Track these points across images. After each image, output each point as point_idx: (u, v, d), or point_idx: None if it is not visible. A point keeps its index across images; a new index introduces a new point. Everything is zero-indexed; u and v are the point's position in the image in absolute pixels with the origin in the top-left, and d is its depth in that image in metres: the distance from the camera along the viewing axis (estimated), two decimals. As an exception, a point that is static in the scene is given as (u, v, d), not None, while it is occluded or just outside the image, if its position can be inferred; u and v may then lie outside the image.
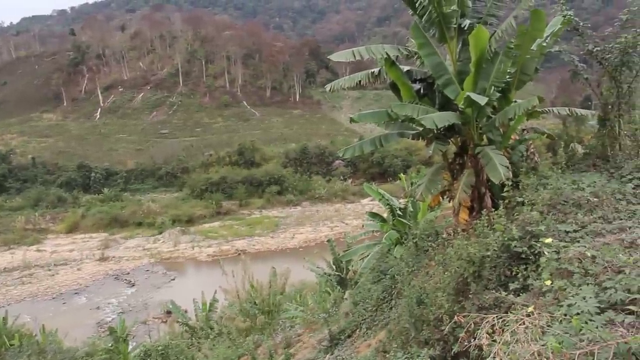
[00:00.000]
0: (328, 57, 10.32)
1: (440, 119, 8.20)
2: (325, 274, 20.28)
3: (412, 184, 17.65)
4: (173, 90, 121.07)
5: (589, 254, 5.00)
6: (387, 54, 9.06)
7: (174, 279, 45.77)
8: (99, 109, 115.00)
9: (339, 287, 18.24)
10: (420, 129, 9.26)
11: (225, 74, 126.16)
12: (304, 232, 59.77)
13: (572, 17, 9.51)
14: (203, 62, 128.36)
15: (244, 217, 66.73)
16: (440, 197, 10.17)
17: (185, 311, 23.88)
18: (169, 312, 32.06)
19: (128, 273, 48.15)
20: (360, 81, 9.97)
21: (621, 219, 6.56)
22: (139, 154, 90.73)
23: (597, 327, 3.67)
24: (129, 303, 40.33)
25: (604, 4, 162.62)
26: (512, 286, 5.58)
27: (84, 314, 37.97)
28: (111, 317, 36.14)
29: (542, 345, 3.37)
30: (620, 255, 4.88)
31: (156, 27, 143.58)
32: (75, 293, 43.70)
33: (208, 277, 39.19)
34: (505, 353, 3.48)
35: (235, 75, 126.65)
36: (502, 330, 3.85)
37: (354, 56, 9.27)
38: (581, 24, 9.82)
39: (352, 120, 9.88)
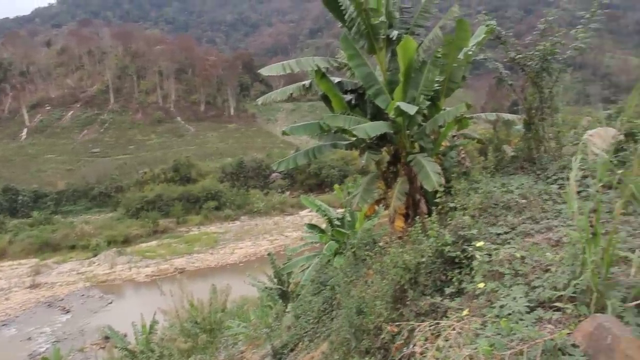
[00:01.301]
0: (258, 71, 10.26)
1: (372, 128, 8.29)
2: (266, 288, 20.11)
3: (348, 193, 17.78)
4: (104, 108, 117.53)
5: (518, 255, 5.14)
6: (317, 66, 9.12)
7: (111, 303, 44.24)
8: (25, 129, 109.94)
9: (281, 301, 18.12)
10: (353, 139, 9.34)
11: (157, 89, 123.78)
12: (243, 246, 59.22)
13: (495, 27, 9.88)
14: (134, 78, 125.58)
15: (182, 235, 65.43)
16: (376, 206, 10.28)
17: (125, 335, 23.08)
18: (107, 338, 30.83)
19: (62, 299, 46.00)
20: (292, 94, 9.98)
21: (548, 219, 6.78)
22: (70, 175, 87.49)
23: (527, 326, 3.77)
24: (63, 331, 38.52)
25: (525, 13, 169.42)
26: (447, 290, 5.67)
27: (14, 346, 36.04)
28: (45, 347, 34.42)
29: (474, 349, 3.43)
30: (548, 253, 5.03)
31: (84, 42, 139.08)
32: (4, 324, 41.17)
33: (147, 298, 38.19)
34: (438, 359, 3.53)
35: (168, 90, 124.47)
36: (435, 337, 3.91)
37: (284, 70, 9.27)
38: (503, 32, 10.20)
39: (284, 133, 9.87)
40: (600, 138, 4.02)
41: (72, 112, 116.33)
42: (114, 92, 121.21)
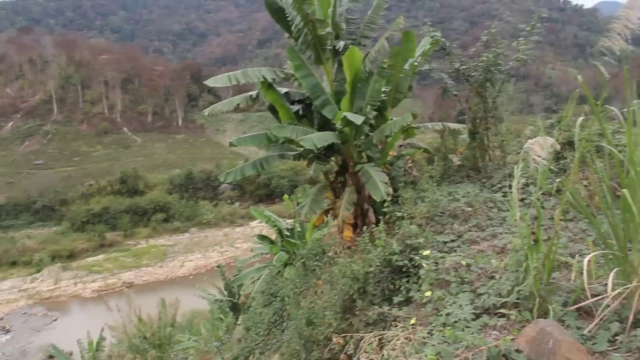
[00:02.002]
0: (204, 82, 10.14)
1: (319, 139, 8.29)
2: (217, 300, 19.90)
3: (298, 204, 17.75)
4: (47, 118, 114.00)
5: (464, 263, 5.22)
6: (264, 77, 9.08)
7: (55, 320, 42.78)
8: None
9: (231, 313, 17.93)
10: (301, 149, 9.34)
11: (103, 99, 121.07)
12: (193, 259, 58.43)
13: (440, 38, 10.08)
14: (79, 88, 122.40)
15: (129, 248, 63.98)
16: (325, 216, 10.28)
17: (70, 353, 22.38)
18: (51, 357, 29.88)
19: (1, 318, 44.18)
20: (239, 105, 9.90)
21: (493, 226, 6.92)
22: (11, 188, 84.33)
23: (472, 333, 3.82)
24: (3, 352, 36.95)
25: (470, 25, 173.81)
26: (396, 299, 5.69)
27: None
28: (-20, 371, 33.11)
29: (420, 358, 3.45)
30: (493, 260, 5.12)
31: (25, 50, 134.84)
32: None
33: (94, 314, 37.02)
34: (384, 370, 3.54)
35: (115, 100, 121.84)
36: (382, 347, 3.92)
37: (230, 81, 9.19)
38: (448, 44, 10.41)
39: (231, 144, 9.79)
40: (540, 147, 4.10)
41: (12, 122, 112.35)
42: (58, 102, 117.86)
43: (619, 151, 3.90)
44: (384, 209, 7.84)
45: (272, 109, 9.73)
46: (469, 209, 7.51)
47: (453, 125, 10.75)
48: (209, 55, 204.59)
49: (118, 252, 62.66)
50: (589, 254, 3.75)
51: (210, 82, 9.75)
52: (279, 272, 13.56)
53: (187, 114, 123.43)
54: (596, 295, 3.68)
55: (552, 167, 7.55)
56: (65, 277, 53.45)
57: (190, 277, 50.47)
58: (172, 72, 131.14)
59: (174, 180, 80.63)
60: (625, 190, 3.50)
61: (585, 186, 5.67)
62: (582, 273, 3.58)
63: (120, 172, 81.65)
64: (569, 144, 7.58)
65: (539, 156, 4.10)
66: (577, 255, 4.33)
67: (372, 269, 6.15)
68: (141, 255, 60.13)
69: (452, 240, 6.56)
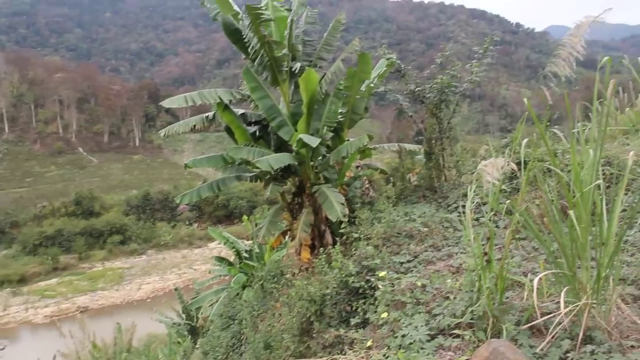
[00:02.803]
0: (160, 103, 10.04)
1: (275, 160, 8.29)
2: (175, 324, 19.52)
3: (256, 224, 17.64)
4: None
5: (419, 284, 5.24)
6: (220, 98, 9.05)
7: (3, 349, 41.01)
8: None
9: (190, 337, 17.62)
10: (258, 171, 9.30)
11: (58, 119, 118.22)
12: (151, 281, 57.25)
13: (395, 60, 10.23)
14: (32, 107, 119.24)
15: (84, 271, 62.13)
16: (283, 237, 10.25)
17: (20, 383, 21.59)
18: (-3, 389, 28.75)
19: (-60, 351, 42.08)
20: (195, 126, 9.83)
21: (449, 246, 6.98)
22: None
23: (427, 355, 3.83)
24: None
25: (427, 47, 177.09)
26: (353, 321, 5.68)
27: None
28: None
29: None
30: (449, 280, 5.17)
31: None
32: None
33: (46, 341, 35.72)
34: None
35: (69, 120, 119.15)
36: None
37: (187, 102, 9.12)
38: (403, 66, 10.57)
39: (186, 166, 9.68)
40: (492, 167, 4.18)
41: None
42: (9, 121, 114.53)
43: (568, 171, 3.99)
44: (341, 230, 7.86)
45: (229, 130, 9.69)
46: (425, 229, 7.58)
47: (409, 146, 10.88)
48: (166, 74, 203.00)
49: (72, 275, 60.78)
50: (541, 272, 3.82)
51: (166, 103, 9.66)
52: (238, 294, 13.42)
53: (145, 134, 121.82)
54: (548, 314, 3.74)
55: (505, 188, 7.73)
56: (15, 303, 51.40)
57: (148, 300, 49.39)
58: (129, 92, 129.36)
59: (131, 201, 79.12)
60: (571, 211, 3.58)
61: (538, 205, 5.78)
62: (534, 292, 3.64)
63: (75, 193, 79.58)
64: (519, 165, 7.75)
65: (491, 177, 4.17)
66: (529, 274, 4.40)
67: (329, 291, 6.14)
68: (97, 279, 58.55)
69: (409, 261, 6.60)
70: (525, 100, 3.70)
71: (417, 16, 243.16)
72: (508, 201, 4.10)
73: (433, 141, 10.31)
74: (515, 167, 4.27)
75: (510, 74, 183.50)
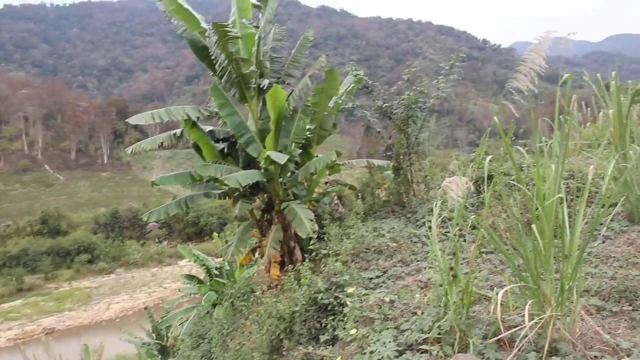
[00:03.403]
0: (126, 120, 9.94)
1: (243, 177, 8.25)
2: (144, 344, 19.19)
3: (227, 241, 17.51)
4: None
5: (387, 299, 5.25)
6: (187, 115, 9.00)
7: (-39, 376, 39.79)
8: None
9: (160, 357, 17.34)
10: (226, 188, 9.25)
11: (23, 136, 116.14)
12: (120, 301, 56.23)
13: (362, 77, 10.32)
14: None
15: (51, 292, 60.61)
16: (252, 255, 10.19)
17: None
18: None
19: None
20: (162, 143, 9.74)
21: (418, 261, 7.02)
22: None
23: (395, 372, 3.83)
24: None
25: (395, 63, 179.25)
26: (323, 338, 5.65)
27: None
28: None
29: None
30: (417, 295, 5.19)
31: None
32: None
33: (9, 365, 34.91)
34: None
35: (35, 137, 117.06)
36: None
37: (154, 119, 9.04)
38: (370, 82, 10.65)
39: (154, 183, 9.57)
40: (456, 184, 4.23)
41: None
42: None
43: (533, 185, 4.04)
44: (310, 247, 7.85)
45: (197, 148, 9.63)
46: (394, 244, 7.61)
47: (378, 162, 10.94)
48: (135, 91, 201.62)
49: (38, 296, 59.22)
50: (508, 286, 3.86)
51: (132, 120, 9.55)
52: (208, 312, 13.27)
53: (113, 151, 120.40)
54: (515, 326, 3.77)
55: (473, 202, 7.81)
56: (-25, 327, 49.98)
57: (117, 320, 48.52)
58: (97, 108, 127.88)
59: (99, 219, 77.80)
60: (534, 225, 3.63)
61: (505, 219, 5.85)
62: (501, 305, 3.67)
63: (41, 212, 77.77)
64: (488, 178, 7.86)
65: (455, 194, 4.22)
66: (496, 287, 4.45)
67: (298, 308, 6.12)
68: (64, 299, 57.21)
69: (378, 276, 6.61)
70: (495, 118, 3.76)
71: (386, 32, 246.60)
72: (473, 216, 4.14)
73: (401, 156, 10.38)
74: (472, 186, 4.32)
75: (478, 89, 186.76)
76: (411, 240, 7.89)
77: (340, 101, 9.69)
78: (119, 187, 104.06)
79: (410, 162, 10.48)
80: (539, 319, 3.68)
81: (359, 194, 11.29)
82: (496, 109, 4.00)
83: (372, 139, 11.17)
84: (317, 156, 9.55)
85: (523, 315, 3.70)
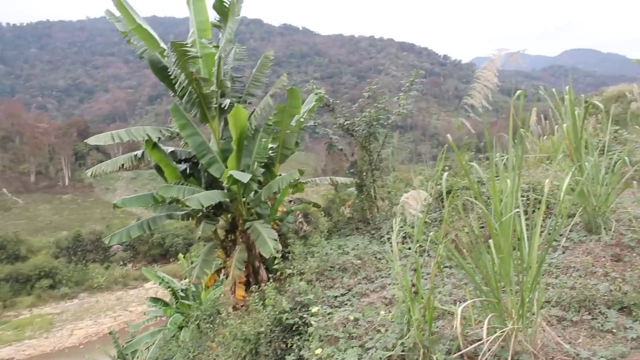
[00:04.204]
0: (85, 141, 9.78)
1: (206, 198, 8.19)
2: (109, 370, 18.73)
3: (192, 262, 17.32)
4: None
5: (352, 317, 5.23)
6: (148, 135, 8.91)
7: None
8: None
9: (126, 382, 16.92)
10: (189, 209, 9.16)
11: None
12: (83, 326, 54.86)
13: (323, 95, 10.36)
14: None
15: (10, 320, 58.66)
16: (217, 276, 10.08)
17: None
18: None
19: None
20: (123, 165, 9.61)
21: (382, 277, 7.02)
22: None
23: (360, 391, 3.81)
24: None
25: (359, 80, 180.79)
26: (288, 359, 5.60)
27: None
28: None
29: None
30: (382, 312, 5.18)
31: None
32: None
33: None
34: None
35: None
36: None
37: (113, 139, 8.92)
38: (332, 100, 10.71)
39: (115, 206, 9.41)
40: (414, 200, 4.26)
41: None
42: None
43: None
44: (275, 266, 7.80)
45: (158, 169, 9.53)
46: (358, 261, 7.61)
47: (341, 179, 10.98)
48: (97, 111, 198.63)
49: (-5, 325, 57.56)
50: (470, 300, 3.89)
51: (92, 141, 9.40)
52: (174, 335, 13.07)
53: (75, 173, 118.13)
54: (478, 340, 3.79)
55: (435, 217, 7.88)
56: None
57: (81, 346, 47.30)
58: (57, 129, 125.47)
59: (61, 243, 75.97)
60: (491, 240, 3.67)
61: (467, 233, 5.91)
62: (463, 320, 3.70)
63: (-1, 237, 75.85)
64: (449, 193, 7.94)
65: (414, 209, 4.25)
66: (459, 302, 4.47)
67: (263, 329, 6.06)
68: (24, 327, 55.43)
69: (342, 294, 6.59)
70: (448, 136, 3.81)
71: (349, 50, 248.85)
72: (432, 233, 4.17)
73: (364, 173, 10.44)
74: (432, 200, 4.36)
75: (440, 104, 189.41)
76: (375, 257, 7.90)
77: (302, 119, 9.73)
78: (81, 209, 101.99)
79: (374, 179, 10.54)
80: (501, 332, 3.71)
81: (325, 211, 11.30)
82: (458, 124, 4.06)
83: (336, 156, 11.19)
84: (280, 175, 9.55)
85: (487, 329, 3.73)
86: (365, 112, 10.22)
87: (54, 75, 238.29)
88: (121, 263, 74.65)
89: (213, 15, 9.96)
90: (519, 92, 4.11)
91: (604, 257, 5.45)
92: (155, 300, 16.22)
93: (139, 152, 9.66)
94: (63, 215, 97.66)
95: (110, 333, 20.17)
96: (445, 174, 4.05)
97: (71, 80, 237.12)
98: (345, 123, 10.40)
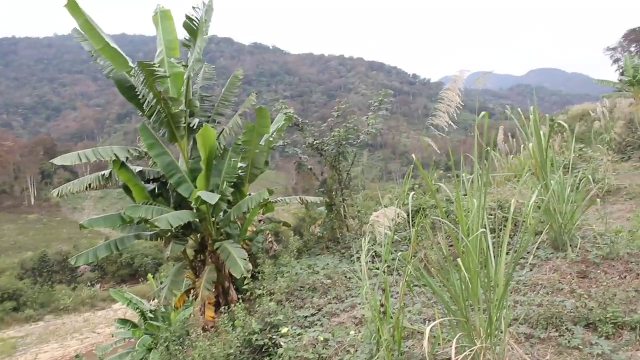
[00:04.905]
0: (50, 161, 9.62)
1: (174, 218, 8.09)
2: (75, 395, 18.28)
3: (161, 282, 17.06)
4: None
5: (321, 338, 5.20)
6: (116, 155, 8.79)
7: None
8: None
9: (91, 409, 16.54)
10: (158, 229, 9.04)
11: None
12: (49, 349, 53.30)
13: (291, 115, 10.39)
14: None
15: (-31, 345, 57.28)
16: (186, 296, 9.94)
17: None
18: None
19: None
20: (90, 184, 9.46)
21: (352, 297, 7.00)
22: None
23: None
24: None
25: (329, 98, 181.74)
26: (258, 381, 5.55)
27: None
28: None
29: None
30: (352, 332, 5.16)
31: None
32: None
33: None
34: None
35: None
36: None
37: (80, 159, 8.78)
38: (300, 120, 10.73)
39: (81, 227, 9.23)
40: (384, 218, 4.27)
41: None
42: None
43: (465, 215, 4.11)
44: (245, 286, 7.73)
45: (126, 189, 9.40)
46: (328, 281, 7.59)
47: (310, 198, 10.98)
48: (64, 129, 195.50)
49: (-48, 352, 55.71)
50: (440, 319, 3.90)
51: (58, 161, 9.23)
52: (143, 357, 12.80)
53: (41, 192, 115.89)
54: (448, 359, 3.79)
55: (405, 235, 7.91)
56: None
57: (46, 372, 46.03)
58: (23, 148, 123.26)
59: (26, 264, 74.13)
60: (459, 259, 3.69)
61: (436, 252, 5.94)
62: (432, 339, 3.70)
63: (-41, 259, 73.83)
64: (418, 212, 8.00)
65: (383, 227, 4.25)
66: (429, 321, 4.48)
67: (232, 351, 5.97)
68: (-17, 352, 53.92)
69: (312, 314, 6.56)
70: (413, 155, 3.84)
71: (318, 69, 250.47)
72: (400, 252, 4.18)
73: (333, 192, 10.46)
74: (405, 216, 4.38)
75: (410, 122, 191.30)
76: (345, 276, 7.88)
77: (271, 139, 9.72)
78: (47, 229, 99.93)
79: (343, 198, 10.56)
80: (470, 351, 3.71)
81: (296, 230, 11.27)
82: (426, 143, 4.10)
83: (306, 174, 11.19)
84: (250, 194, 9.50)
85: (456, 348, 3.74)
86: (335, 132, 10.27)
87: (20, 93, 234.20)
88: (89, 284, 73.06)
89: (181, 34, 9.95)
90: (483, 112, 4.16)
91: (570, 273, 5.52)
92: (124, 321, 15.88)
93: (106, 172, 9.52)
94: (28, 235, 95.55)
95: (76, 356, 19.72)
96: (412, 193, 4.07)
97: (38, 97, 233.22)
98: (314, 142, 10.43)
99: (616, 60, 57.25)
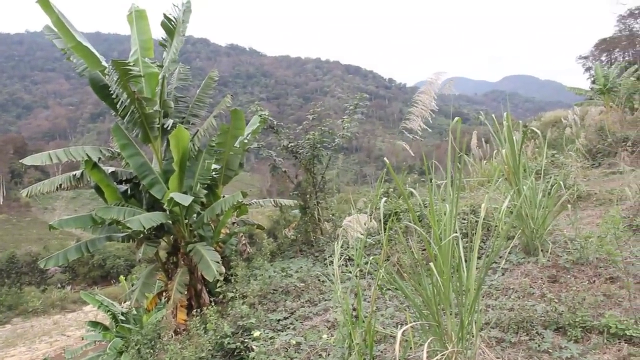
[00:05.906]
0: (20, 161, 9.44)
1: (147, 220, 8.00)
2: (42, 399, 17.98)
3: (132, 285, 16.89)
4: None
5: (294, 342, 5.19)
6: (88, 155, 8.67)
7: None
8: None
9: (59, 413, 16.27)
10: (130, 230, 8.94)
11: None
12: (16, 353, 52.25)
13: (266, 117, 10.36)
14: None
15: None
16: (158, 299, 9.84)
17: None
18: None
19: None
20: (61, 185, 9.30)
21: (325, 300, 7.00)
22: None
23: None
24: None
25: (305, 101, 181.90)
26: (230, 384, 5.51)
27: None
28: None
29: None
30: (325, 336, 5.15)
31: None
32: None
33: None
34: None
35: None
36: None
37: (51, 159, 8.63)
38: (275, 122, 10.71)
39: (51, 227, 9.06)
40: (357, 223, 4.27)
41: None
42: None
43: (438, 220, 4.13)
44: (217, 289, 7.67)
45: (98, 189, 9.27)
46: (302, 284, 7.57)
47: (284, 201, 10.96)
48: (36, 128, 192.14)
49: None
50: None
51: (28, 161, 9.05)
52: (114, 360, 12.63)
53: (10, 192, 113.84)
54: (419, 363, 3.80)
55: (378, 239, 7.92)
56: None
57: (12, 375, 45.17)
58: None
59: (-6, 265, 72.92)
60: (431, 264, 3.71)
61: (409, 256, 5.95)
62: (404, 343, 3.70)
63: None
64: (389, 217, 8.02)
65: (356, 232, 4.25)
66: (402, 325, 4.48)
67: (204, 354, 5.93)
68: (-54, 359, 52.64)
69: (285, 318, 6.54)
70: (385, 159, 3.85)
71: (295, 71, 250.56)
72: (372, 257, 4.18)
73: (308, 195, 10.44)
74: (375, 223, 4.39)
75: (385, 126, 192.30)
76: (319, 280, 7.88)
77: (246, 141, 9.68)
78: (16, 229, 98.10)
79: (317, 201, 10.55)
80: (442, 355, 3.73)
81: (270, 233, 11.23)
82: (401, 147, 4.10)
83: (281, 177, 11.17)
84: (223, 196, 9.44)
85: (427, 352, 3.74)
86: (310, 135, 10.27)
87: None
88: (59, 285, 71.83)
89: (156, 34, 9.87)
90: (456, 119, 4.19)
91: (541, 278, 5.58)
92: (95, 324, 15.67)
93: (77, 172, 9.38)
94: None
95: (45, 359, 19.39)
96: (384, 198, 4.08)
97: (8, 95, 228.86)
98: (289, 145, 10.41)
99: (588, 69, 58.35)
